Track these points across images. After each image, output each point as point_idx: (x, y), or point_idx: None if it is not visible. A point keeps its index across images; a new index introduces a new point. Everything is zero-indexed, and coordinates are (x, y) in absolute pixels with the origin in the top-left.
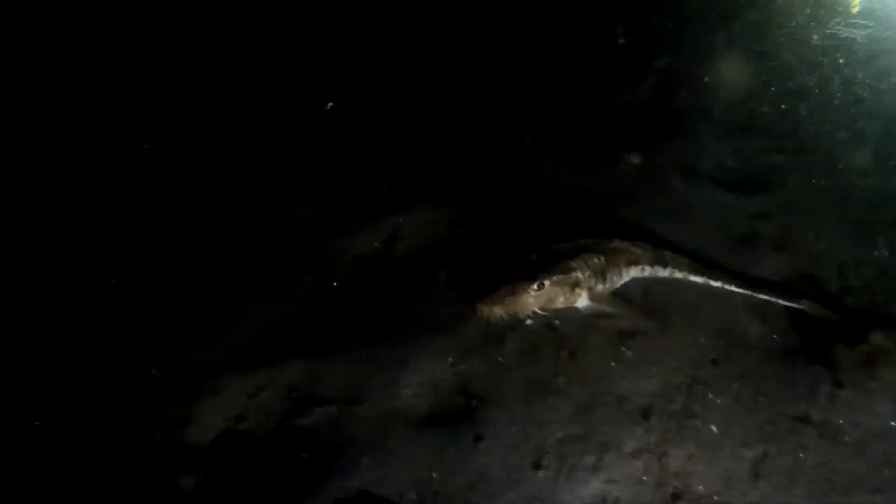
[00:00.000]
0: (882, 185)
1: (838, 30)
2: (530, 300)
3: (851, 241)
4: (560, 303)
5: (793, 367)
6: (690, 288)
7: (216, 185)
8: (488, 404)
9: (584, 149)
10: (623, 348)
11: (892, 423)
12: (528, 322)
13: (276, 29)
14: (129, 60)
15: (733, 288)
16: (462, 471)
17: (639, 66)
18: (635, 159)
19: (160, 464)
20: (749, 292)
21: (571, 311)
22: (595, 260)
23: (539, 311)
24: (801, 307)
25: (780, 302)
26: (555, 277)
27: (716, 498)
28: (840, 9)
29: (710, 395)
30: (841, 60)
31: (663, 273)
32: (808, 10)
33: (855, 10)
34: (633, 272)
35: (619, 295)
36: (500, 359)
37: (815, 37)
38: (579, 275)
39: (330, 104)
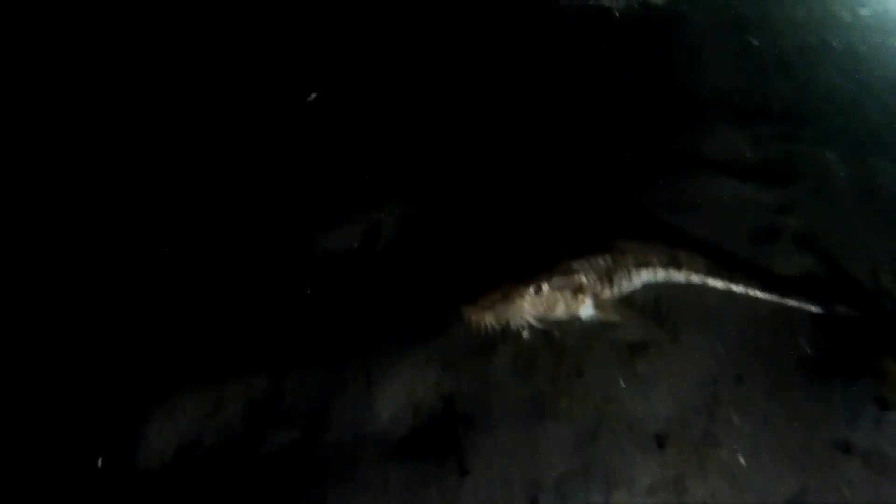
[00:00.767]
0: None
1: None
2: (526, 306)
3: (885, 237)
4: (560, 310)
5: (830, 384)
6: (709, 293)
7: (176, 174)
8: (476, 430)
9: (585, 134)
10: (633, 364)
11: None
12: (524, 333)
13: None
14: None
15: (758, 293)
16: None
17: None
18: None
19: (101, 496)
20: (776, 297)
21: (573, 320)
22: (601, 261)
23: (536, 320)
24: (835, 314)
25: (812, 308)
26: (554, 280)
27: None
28: None
29: (734, 419)
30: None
31: (678, 276)
32: None
33: None
34: (644, 275)
35: (627, 301)
36: (490, 375)
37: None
38: (583, 278)
39: (314, 94)
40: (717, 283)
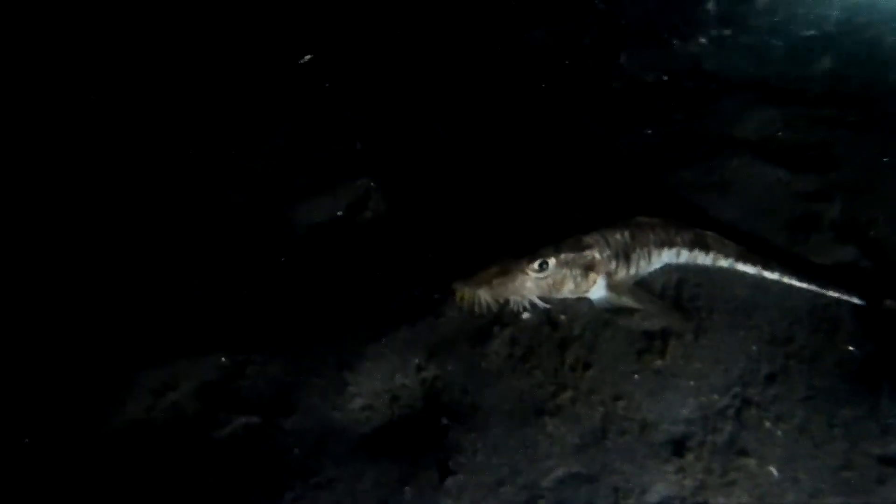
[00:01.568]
0: None
1: None
2: (528, 284)
3: None
4: (568, 290)
5: (877, 388)
6: (739, 280)
7: (155, 134)
8: (463, 425)
9: (607, 108)
10: (650, 356)
11: None
12: (525, 315)
13: None
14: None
15: (794, 282)
16: None
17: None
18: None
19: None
20: (815, 287)
21: (582, 303)
22: (618, 237)
23: (539, 301)
24: (883, 308)
25: (856, 301)
26: (563, 256)
27: None
28: None
29: (766, 424)
30: None
31: (704, 259)
32: None
33: None
34: (666, 256)
35: (645, 285)
36: (483, 363)
37: None
38: (596, 254)
39: (308, 56)
40: (748, 268)
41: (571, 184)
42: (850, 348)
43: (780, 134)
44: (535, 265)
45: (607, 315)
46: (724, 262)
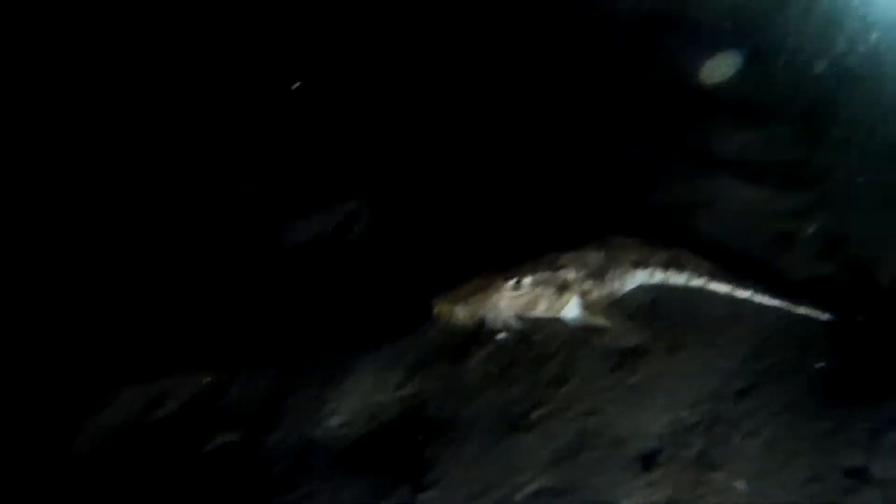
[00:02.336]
0: None
1: None
2: (503, 302)
3: None
4: (542, 309)
5: (847, 403)
6: (713, 299)
7: (145, 155)
8: (440, 440)
9: (587, 127)
10: (623, 374)
11: None
12: (501, 335)
13: None
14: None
15: (767, 300)
16: None
17: None
18: None
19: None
20: (788, 304)
21: (558, 322)
22: (591, 257)
23: (515, 318)
24: (855, 323)
25: (828, 317)
26: (538, 275)
27: None
28: None
29: (735, 439)
30: None
31: (678, 278)
32: None
33: None
34: (641, 276)
35: (619, 304)
36: (460, 379)
37: None
38: (570, 274)
39: (298, 83)
40: (721, 287)
41: (551, 202)
42: (821, 364)
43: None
44: (511, 284)
45: (582, 333)
46: (697, 281)
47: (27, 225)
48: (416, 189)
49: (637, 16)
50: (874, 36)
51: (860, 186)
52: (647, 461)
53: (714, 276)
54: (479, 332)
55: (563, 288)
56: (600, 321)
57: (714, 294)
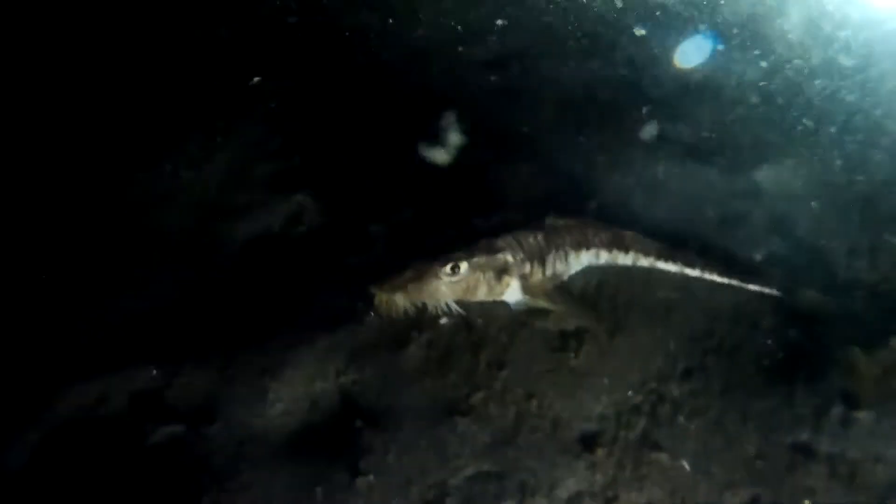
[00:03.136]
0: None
1: None
2: (442, 288)
3: (862, 224)
4: (483, 294)
5: (792, 380)
6: (660, 279)
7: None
8: (377, 427)
9: (534, 119)
10: (564, 357)
11: None
12: (443, 320)
13: None
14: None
15: (715, 278)
16: None
17: None
18: None
19: None
20: (736, 283)
21: (500, 306)
22: (531, 240)
23: (455, 305)
24: (802, 300)
25: (776, 293)
26: (475, 259)
27: None
28: None
29: (680, 419)
30: None
31: (625, 259)
32: None
33: None
34: (585, 258)
35: (565, 286)
36: (400, 367)
37: None
38: (508, 257)
39: (257, 78)
40: (669, 266)
41: (500, 190)
42: (769, 342)
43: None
44: (448, 269)
45: (524, 317)
46: (644, 262)
47: None
48: (357, 180)
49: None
50: None
51: (816, 166)
52: (589, 443)
53: (661, 256)
54: (421, 319)
55: (502, 272)
56: (542, 304)
57: (663, 274)
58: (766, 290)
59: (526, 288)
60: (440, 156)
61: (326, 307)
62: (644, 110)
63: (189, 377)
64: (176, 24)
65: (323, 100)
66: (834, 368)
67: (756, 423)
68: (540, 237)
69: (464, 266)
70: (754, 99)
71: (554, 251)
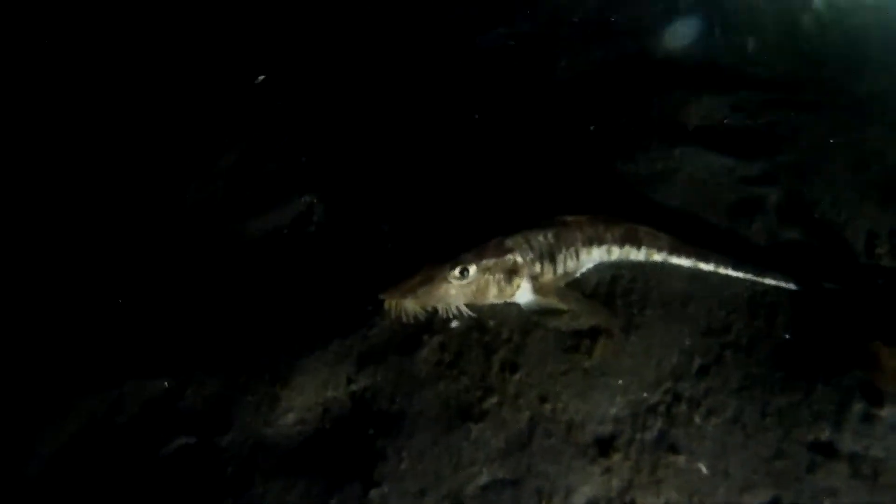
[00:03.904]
0: None
1: None
2: (452, 291)
3: (882, 209)
4: (493, 295)
5: (812, 376)
6: (674, 273)
7: (105, 157)
8: (391, 434)
9: (542, 107)
10: (578, 357)
11: None
12: (454, 323)
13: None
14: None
15: (730, 272)
16: None
17: None
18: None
19: None
20: (752, 277)
21: (511, 307)
22: (541, 238)
23: (465, 308)
24: (822, 291)
25: (793, 286)
26: (484, 261)
27: None
28: None
29: (696, 419)
30: None
31: (637, 255)
32: None
33: None
34: (597, 254)
35: (578, 284)
36: (411, 371)
37: None
38: (518, 258)
39: (261, 77)
40: (682, 261)
41: (512, 185)
42: (787, 335)
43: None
44: (457, 272)
45: (536, 317)
46: (657, 257)
47: None
48: (364, 182)
49: None
50: None
51: (829, 148)
52: (604, 446)
53: (675, 250)
54: (432, 322)
55: (512, 272)
56: (554, 303)
57: (677, 268)
58: (783, 284)
59: (537, 288)
60: None
61: (336, 310)
62: None
63: (200, 385)
64: (179, 23)
65: (330, 96)
66: (855, 362)
67: (775, 421)
68: (550, 235)
69: (473, 269)
70: None
71: (564, 249)
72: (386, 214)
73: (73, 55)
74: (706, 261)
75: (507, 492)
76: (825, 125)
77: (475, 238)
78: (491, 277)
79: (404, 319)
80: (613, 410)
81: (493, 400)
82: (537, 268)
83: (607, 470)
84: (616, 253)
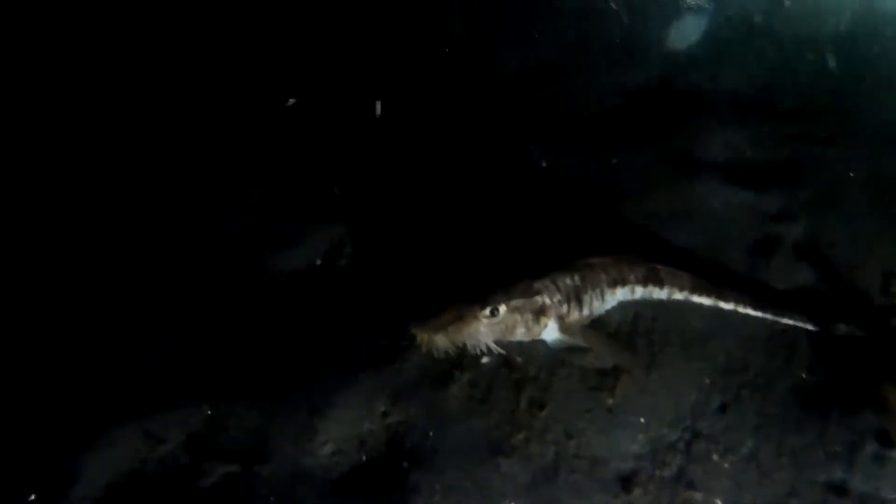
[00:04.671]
0: None
1: None
2: (482, 329)
3: None
4: (521, 334)
5: (826, 416)
6: (694, 312)
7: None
8: (423, 467)
9: (568, 140)
10: (601, 394)
11: None
12: (484, 359)
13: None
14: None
15: (749, 311)
16: None
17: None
18: None
19: None
20: (771, 316)
21: (539, 345)
22: (568, 280)
23: (494, 345)
24: (836, 333)
25: (809, 327)
26: (513, 302)
27: None
28: None
29: (714, 456)
30: None
31: (659, 294)
32: None
33: None
34: (621, 294)
35: (600, 323)
36: (442, 406)
37: None
38: (546, 299)
39: (292, 100)
40: (703, 300)
41: (535, 223)
42: (803, 375)
43: (747, 153)
44: (487, 311)
45: (562, 355)
46: (679, 296)
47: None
48: (393, 217)
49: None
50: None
51: (848, 183)
52: (626, 482)
53: (696, 289)
54: (463, 359)
55: (539, 312)
56: (579, 342)
57: (697, 307)
58: (801, 325)
59: (563, 327)
60: None
61: (369, 345)
62: None
63: (241, 416)
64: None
65: (363, 125)
66: (867, 405)
67: (790, 460)
68: (577, 277)
69: (503, 308)
70: None
71: (590, 290)
72: (416, 247)
73: (110, 83)
74: (726, 300)
75: None
76: (845, 157)
77: (504, 278)
78: (519, 317)
79: (435, 354)
80: (635, 447)
81: (522, 436)
82: (564, 308)
83: None
84: (639, 292)
